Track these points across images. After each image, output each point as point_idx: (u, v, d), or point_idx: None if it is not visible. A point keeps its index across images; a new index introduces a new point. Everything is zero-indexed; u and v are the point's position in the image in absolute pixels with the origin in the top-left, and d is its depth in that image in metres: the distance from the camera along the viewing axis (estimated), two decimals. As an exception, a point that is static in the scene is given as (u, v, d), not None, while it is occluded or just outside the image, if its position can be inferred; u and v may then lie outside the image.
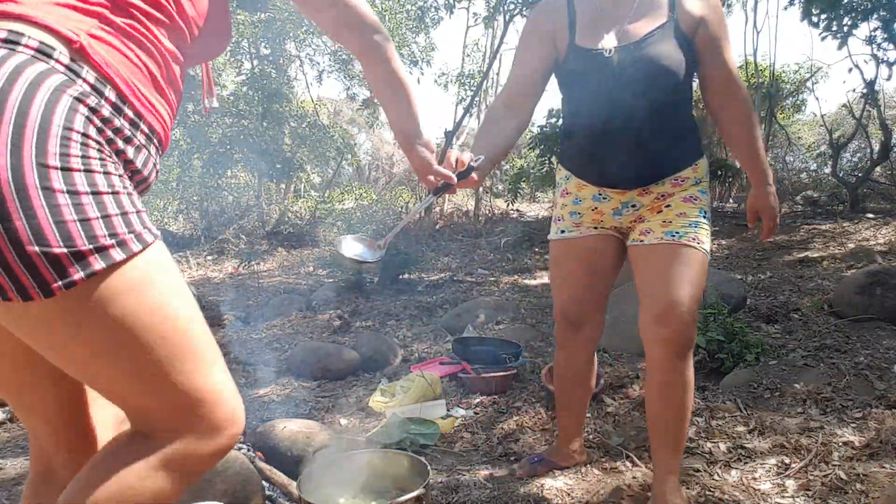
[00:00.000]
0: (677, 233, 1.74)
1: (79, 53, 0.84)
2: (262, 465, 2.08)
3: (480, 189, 11.82)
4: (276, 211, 10.20)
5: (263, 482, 1.98)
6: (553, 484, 2.06)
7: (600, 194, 1.83)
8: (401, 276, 5.62)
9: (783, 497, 1.91)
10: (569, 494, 1.99)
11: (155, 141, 0.95)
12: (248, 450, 2.15)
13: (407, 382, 2.89)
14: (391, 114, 1.31)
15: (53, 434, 1.06)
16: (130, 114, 0.88)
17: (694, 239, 1.73)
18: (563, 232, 1.92)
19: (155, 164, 0.98)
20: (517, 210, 10.00)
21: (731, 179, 9.52)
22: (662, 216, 1.78)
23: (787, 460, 2.10)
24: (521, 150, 15.49)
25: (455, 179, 1.43)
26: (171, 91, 0.98)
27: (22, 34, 0.82)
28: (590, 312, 1.96)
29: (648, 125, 1.70)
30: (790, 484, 1.97)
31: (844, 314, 3.54)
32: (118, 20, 0.89)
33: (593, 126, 1.74)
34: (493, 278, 5.94)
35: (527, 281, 5.78)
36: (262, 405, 2.92)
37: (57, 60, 0.82)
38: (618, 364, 3.23)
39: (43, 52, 0.81)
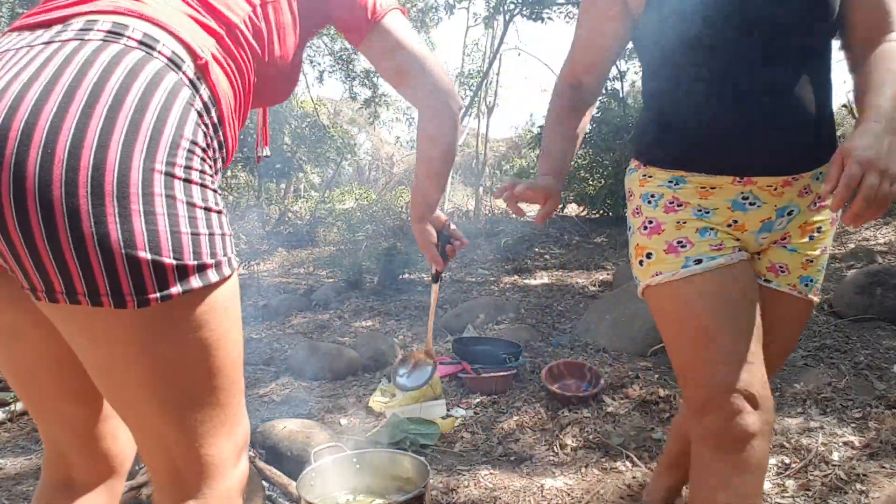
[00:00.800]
0: (811, 280, 1.32)
1: (201, 70, 0.85)
2: (262, 465, 2.08)
3: (480, 189, 11.83)
4: (276, 211, 10.20)
5: (263, 482, 1.98)
6: (553, 484, 2.06)
7: (745, 198, 1.24)
8: (401, 277, 5.62)
9: (783, 497, 1.91)
10: (569, 494, 1.99)
11: (223, 166, 0.95)
12: (248, 450, 2.16)
13: (407, 382, 2.90)
14: (428, 183, 1.27)
15: (78, 441, 1.04)
16: (221, 137, 0.89)
17: (818, 291, 1.35)
18: (698, 263, 1.22)
19: None
20: (517, 210, 9.98)
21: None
22: (809, 248, 1.30)
23: (787, 460, 2.10)
24: (521, 149, 15.49)
25: (443, 265, 1.42)
26: (240, 121, 0.99)
27: (157, 40, 0.82)
28: (766, 392, 1.21)
29: (806, 76, 1.19)
30: (790, 484, 1.97)
31: (844, 314, 3.54)
32: (231, 45, 0.91)
33: (731, 84, 1.19)
34: (493, 278, 5.94)
35: (527, 281, 5.78)
36: (262, 405, 2.92)
37: (184, 73, 0.82)
38: (618, 364, 3.23)
39: (174, 63, 0.82)
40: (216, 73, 0.87)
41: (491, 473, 2.17)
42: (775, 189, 1.23)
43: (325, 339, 4.06)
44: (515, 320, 4.26)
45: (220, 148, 0.90)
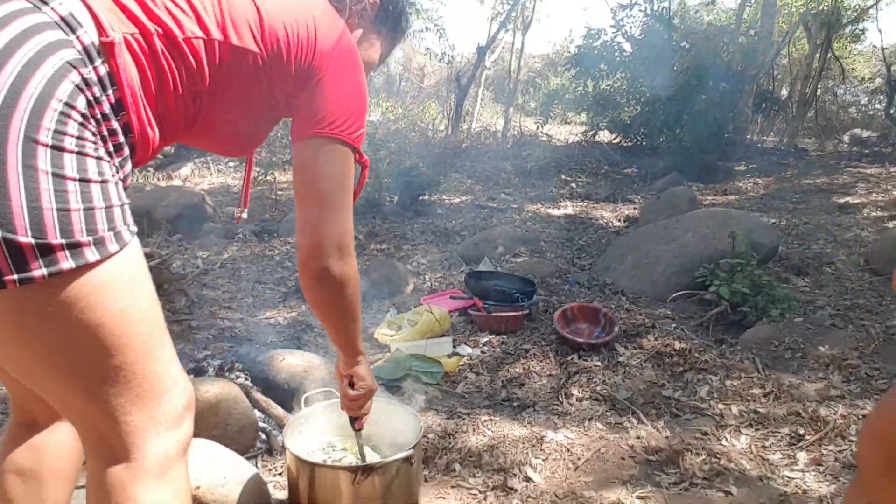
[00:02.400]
0: None
1: (105, 48, 0.76)
2: (259, 396, 2.04)
3: (511, 109, 11.41)
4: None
5: (257, 413, 1.95)
6: (553, 437, 2.00)
7: None
8: (421, 198, 5.49)
9: (792, 470, 1.82)
10: (568, 449, 1.93)
11: (133, 158, 0.86)
12: (246, 380, 2.12)
13: (415, 316, 2.82)
14: (329, 331, 1.24)
15: (30, 393, 1.03)
16: (124, 121, 0.80)
17: None
18: None
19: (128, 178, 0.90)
20: (546, 134, 9.64)
21: (776, 110, 9.05)
22: None
23: (801, 430, 2.01)
24: (557, 67, 14.86)
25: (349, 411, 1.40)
26: (163, 124, 0.88)
27: None
28: None
29: None
30: (801, 456, 1.88)
31: (881, 272, 3.35)
32: (158, 44, 0.81)
33: None
34: (515, 205, 5.78)
35: (549, 210, 5.62)
36: (267, 328, 2.88)
37: (78, 38, 0.73)
38: (635, 309, 3.11)
39: (67, 23, 0.73)
40: (125, 58, 0.77)
41: (491, 419, 2.11)
42: None
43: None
44: (534, 253, 4.14)
45: (126, 133, 0.80)
